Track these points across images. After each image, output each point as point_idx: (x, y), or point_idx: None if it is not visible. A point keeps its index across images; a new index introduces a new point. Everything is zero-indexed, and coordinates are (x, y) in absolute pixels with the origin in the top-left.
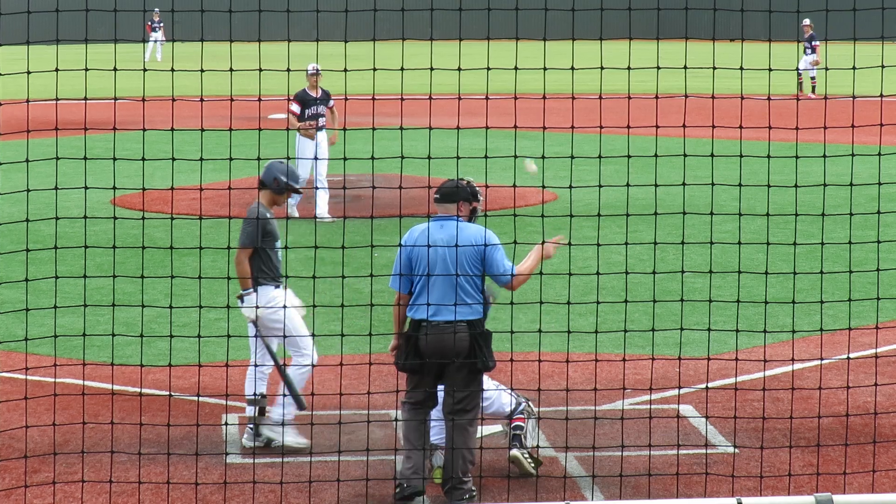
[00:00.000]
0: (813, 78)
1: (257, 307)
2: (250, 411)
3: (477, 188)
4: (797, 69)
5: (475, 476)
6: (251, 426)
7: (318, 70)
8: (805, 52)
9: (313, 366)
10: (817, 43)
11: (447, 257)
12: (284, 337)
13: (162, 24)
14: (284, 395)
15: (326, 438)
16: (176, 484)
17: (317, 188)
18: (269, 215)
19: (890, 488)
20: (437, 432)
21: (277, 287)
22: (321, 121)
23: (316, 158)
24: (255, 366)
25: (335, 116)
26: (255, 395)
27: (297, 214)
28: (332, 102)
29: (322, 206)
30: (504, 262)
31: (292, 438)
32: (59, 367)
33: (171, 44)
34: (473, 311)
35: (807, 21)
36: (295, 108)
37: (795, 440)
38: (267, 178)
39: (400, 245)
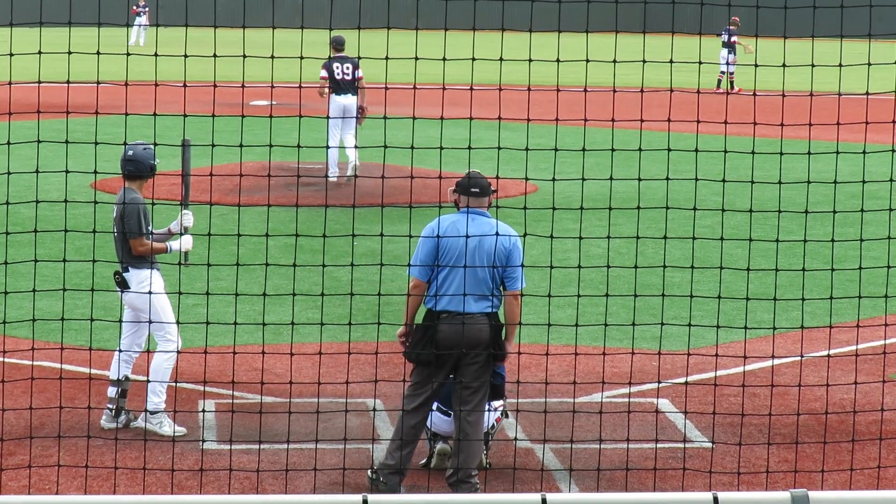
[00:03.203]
0: (731, 73)
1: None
2: (112, 392)
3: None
4: (729, 65)
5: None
6: (109, 406)
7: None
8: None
9: (178, 352)
10: (735, 38)
11: (476, 250)
12: (150, 322)
13: (147, 9)
14: (149, 381)
15: (303, 426)
16: (151, 469)
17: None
18: (142, 200)
19: (866, 485)
20: (437, 421)
21: (152, 269)
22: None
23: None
24: (121, 351)
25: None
26: (118, 377)
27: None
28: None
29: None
30: (520, 265)
31: (169, 428)
32: (36, 350)
33: (154, 29)
34: (494, 305)
35: (735, 18)
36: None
37: (773, 436)
38: (142, 167)
39: (434, 235)
